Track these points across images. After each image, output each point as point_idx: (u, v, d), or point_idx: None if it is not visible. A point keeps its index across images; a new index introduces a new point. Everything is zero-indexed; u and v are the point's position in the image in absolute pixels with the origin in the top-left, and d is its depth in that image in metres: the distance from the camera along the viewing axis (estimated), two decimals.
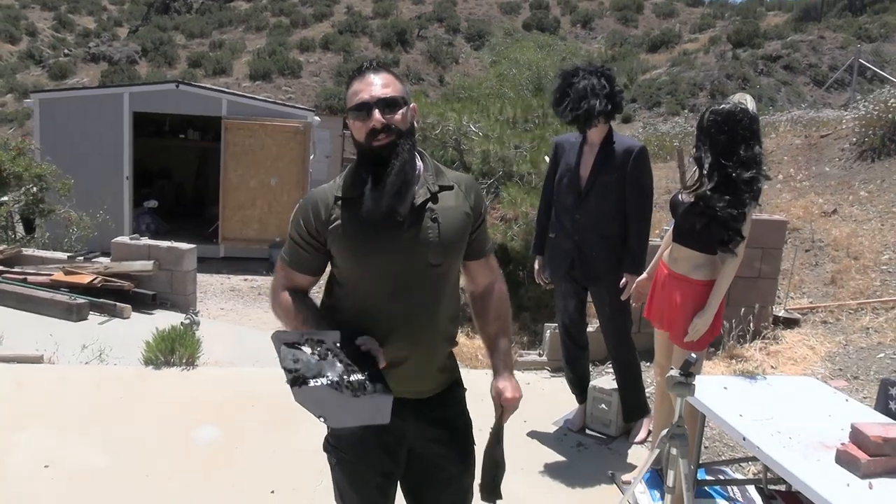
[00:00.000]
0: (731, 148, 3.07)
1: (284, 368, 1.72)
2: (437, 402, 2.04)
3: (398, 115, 1.86)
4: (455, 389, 2.11)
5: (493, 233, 7.10)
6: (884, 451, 2.31)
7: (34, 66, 37.92)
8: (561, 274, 4.03)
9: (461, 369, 2.19)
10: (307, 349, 1.76)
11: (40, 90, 16.26)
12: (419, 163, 1.95)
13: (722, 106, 3.13)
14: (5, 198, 9.24)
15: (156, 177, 13.99)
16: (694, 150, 3.22)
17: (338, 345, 1.79)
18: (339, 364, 1.76)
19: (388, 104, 1.85)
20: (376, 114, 1.84)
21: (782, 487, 3.14)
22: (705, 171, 3.12)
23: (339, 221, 1.90)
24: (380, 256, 1.89)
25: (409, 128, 1.90)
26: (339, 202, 1.91)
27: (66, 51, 39.78)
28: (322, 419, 1.70)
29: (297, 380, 1.70)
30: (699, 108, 25.11)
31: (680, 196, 3.37)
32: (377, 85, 1.87)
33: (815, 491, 2.18)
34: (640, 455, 3.98)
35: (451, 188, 1.97)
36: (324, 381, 1.71)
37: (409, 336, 1.93)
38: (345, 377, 1.74)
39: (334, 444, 2.02)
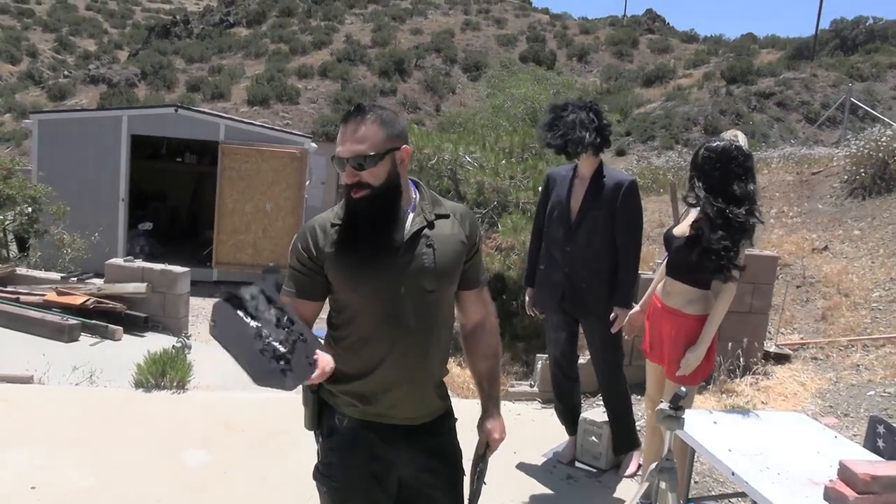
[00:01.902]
0: (725, 185, 3.12)
1: (241, 294, 1.73)
2: (429, 430, 2.04)
3: (368, 172, 1.87)
4: (446, 419, 2.11)
5: (490, 262, 7.13)
6: (872, 489, 2.32)
7: (34, 86, 38.08)
8: (551, 306, 4.05)
9: (452, 398, 2.20)
10: (278, 313, 1.75)
11: (39, 111, 16.37)
12: (414, 194, 2.00)
13: (716, 143, 3.18)
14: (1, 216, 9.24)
15: (151, 199, 14.01)
16: (688, 185, 3.27)
17: (303, 337, 1.75)
18: (283, 334, 1.73)
19: (360, 162, 1.87)
20: (348, 170, 1.88)
21: None
22: (699, 206, 3.16)
23: (335, 248, 1.93)
24: (375, 282, 1.91)
25: (385, 181, 1.90)
26: (336, 228, 1.95)
27: (65, 72, 40.00)
28: (214, 330, 1.72)
29: (236, 301, 1.71)
30: (693, 143, 25.33)
31: (674, 231, 3.41)
32: (351, 140, 1.88)
33: None
34: (629, 488, 3.97)
35: (447, 216, 2.02)
36: (254, 324, 1.70)
37: (404, 361, 1.95)
38: (272, 339, 1.70)
39: (324, 473, 2.02)
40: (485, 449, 2.14)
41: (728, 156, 3.13)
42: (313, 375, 1.73)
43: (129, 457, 4.00)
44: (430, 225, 1.97)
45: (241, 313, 1.70)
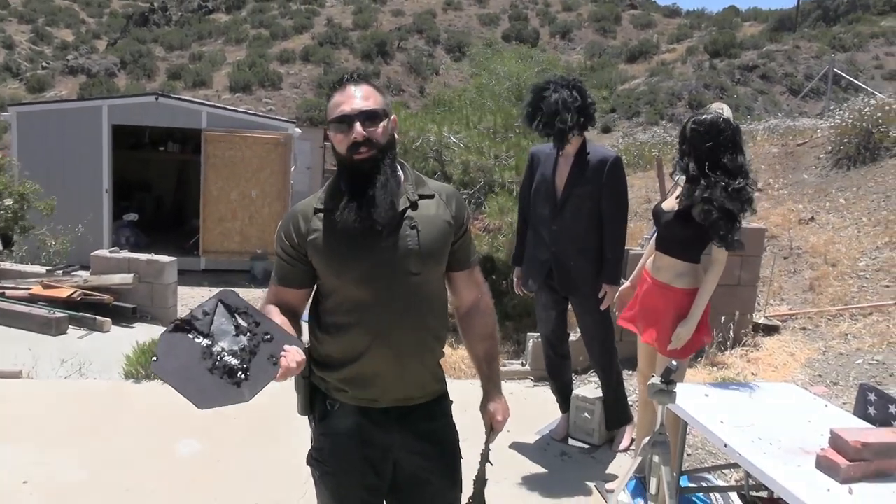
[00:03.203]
0: (715, 158, 3.11)
1: (192, 315, 1.73)
2: (423, 413, 2.01)
3: (379, 128, 1.87)
4: (442, 401, 2.09)
5: (479, 243, 7.11)
6: (863, 456, 2.33)
7: (11, 78, 37.57)
8: (539, 285, 4.04)
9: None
10: (239, 320, 1.75)
11: (18, 103, 16.12)
12: (400, 173, 1.97)
13: (704, 116, 3.16)
14: None
15: (135, 189, 13.89)
16: (677, 160, 3.26)
17: (268, 336, 1.74)
18: (243, 341, 1.73)
19: (369, 117, 1.85)
20: (357, 126, 1.84)
21: (764, 494, 3.16)
22: (689, 180, 3.15)
23: (318, 233, 1.91)
24: (359, 266, 1.88)
25: (389, 141, 1.91)
26: (319, 214, 1.93)
27: (43, 63, 39.47)
28: (156, 364, 1.72)
29: (183, 326, 1.71)
30: (678, 118, 25.35)
31: (662, 205, 3.40)
32: (358, 97, 1.86)
33: (796, 496, 2.20)
34: (623, 463, 3.99)
35: (431, 197, 1.98)
36: (205, 342, 1.70)
37: (392, 345, 1.92)
38: (224, 354, 1.70)
39: (318, 458, 2.01)
40: (489, 431, 2.13)
41: (716, 129, 3.11)
42: (277, 375, 1.70)
43: (121, 448, 3.98)
44: (414, 205, 1.93)
45: (190, 336, 1.70)
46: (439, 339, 2.05)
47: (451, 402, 2.14)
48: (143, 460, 3.87)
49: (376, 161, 1.86)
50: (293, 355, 1.72)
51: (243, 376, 1.67)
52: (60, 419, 4.33)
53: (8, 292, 7.25)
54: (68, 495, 3.48)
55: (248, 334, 1.72)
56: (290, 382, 2.04)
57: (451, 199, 2.02)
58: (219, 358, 1.68)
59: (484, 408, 2.15)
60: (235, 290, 1.82)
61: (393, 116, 1.94)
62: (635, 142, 17.06)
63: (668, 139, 16.12)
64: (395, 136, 1.96)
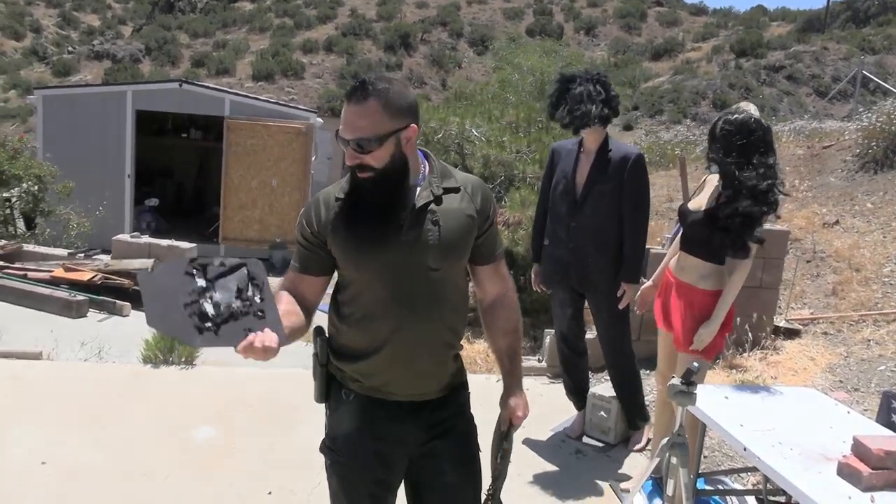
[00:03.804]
0: (745, 158, 3.06)
1: (210, 261, 1.70)
2: (437, 406, 1.99)
3: (370, 156, 1.80)
4: (458, 393, 2.06)
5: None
6: (886, 465, 2.30)
7: (38, 62, 37.93)
8: (556, 282, 4.02)
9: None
10: (248, 288, 1.70)
11: (43, 87, 16.26)
12: (423, 166, 1.93)
13: (735, 116, 3.12)
14: (6, 194, 9.24)
15: (157, 175, 13.98)
16: (707, 159, 3.22)
17: (260, 314, 1.68)
18: (235, 303, 1.67)
19: (360, 144, 1.80)
20: (349, 151, 1.82)
21: (782, 499, 3.13)
22: (719, 181, 3.11)
23: (338, 222, 1.89)
24: (378, 258, 1.86)
25: (391, 164, 1.83)
26: (340, 203, 1.91)
27: (69, 48, 39.79)
28: (145, 274, 1.74)
29: (196, 266, 1.67)
30: (701, 117, 25.15)
31: (689, 204, 3.36)
32: (353, 121, 1.80)
33: (817, 503, 2.17)
34: (638, 463, 3.96)
35: (456, 190, 1.95)
36: (201, 284, 1.66)
37: (408, 339, 1.89)
38: (208, 301, 1.65)
39: (330, 446, 2.00)
40: (508, 427, 2.11)
41: (747, 129, 3.07)
42: (238, 346, 1.61)
43: (138, 432, 4.01)
44: (438, 200, 1.90)
45: (194, 273, 1.66)
46: (457, 334, 2.02)
47: (469, 393, 2.11)
48: (159, 445, 3.89)
49: (376, 182, 1.83)
50: (265, 338, 1.63)
51: (211, 327, 1.62)
52: (79, 401, 4.36)
53: (30, 274, 7.33)
54: (85, 477, 3.51)
55: (245, 302, 1.68)
56: (307, 371, 2.04)
57: (476, 192, 1.98)
58: (203, 301, 1.64)
59: (504, 403, 2.12)
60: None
61: (410, 126, 1.85)
62: (658, 140, 16.93)
63: (691, 138, 16.00)
64: (409, 149, 1.87)
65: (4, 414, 4.10)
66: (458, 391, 2.06)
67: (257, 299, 1.68)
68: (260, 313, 1.67)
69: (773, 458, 2.44)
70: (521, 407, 2.09)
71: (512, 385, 2.12)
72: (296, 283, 1.97)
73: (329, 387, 2.02)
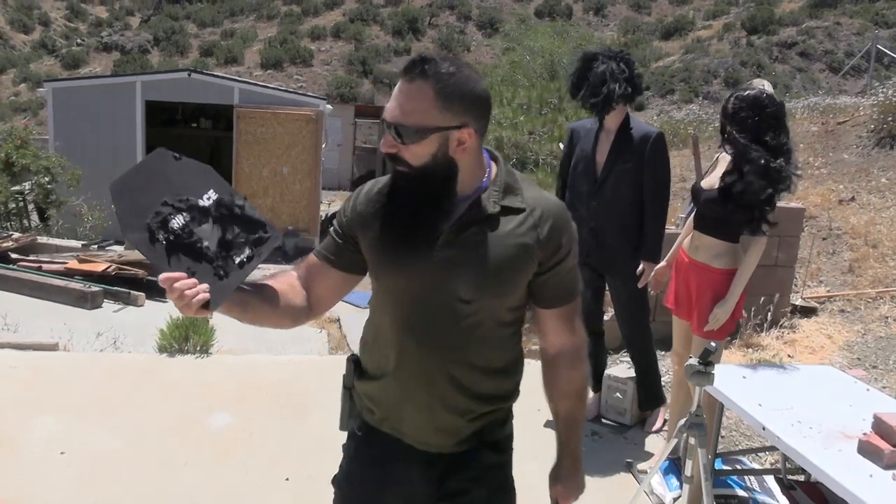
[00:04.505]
0: (757, 135, 3.02)
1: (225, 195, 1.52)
2: (451, 462, 1.67)
3: (407, 149, 1.51)
4: (481, 453, 1.69)
5: None
6: None
7: (47, 55, 38.05)
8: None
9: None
10: (238, 235, 1.52)
11: (53, 79, 16.31)
12: (486, 176, 1.60)
13: (747, 92, 3.08)
14: (17, 187, 9.28)
15: None
16: (721, 136, 3.17)
17: (238, 261, 1.50)
18: (211, 244, 1.49)
19: (398, 132, 1.50)
20: (386, 136, 1.53)
21: (801, 478, 3.11)
22: (736, 156, 3.06)
23: (372, 218, 1.62)
24: (399, 272, 1.59)
25: (428, 164, 1.51)
26: (379, 196, 1.64)
27: (78, 40, 39.90)
28: (132, 170, 1.50)
29: (184, 202, 1.49)
30: (713, 95, 24.94)
31: (702, 183, 3.33)
32: (397, 101, 1.51)
33: (838, 482, 2.15)
34: (655, 444, 3.95)
35: (519, 211, 1.59)
36: (204, 203, 1.50)
37: (415, 376, 1.61)
38: (178, 220, 1.47)
39: (337, 478, 1.81)
40: None
41: (759, 104, 3.02)
42: (161, 276, 1.42)
43: (155, 421, 4.03)
44: (490, 219, 1.56)
45: (179, 205, 1.48)
46: (491, 389, 1.66)
47: (507, 457, 1.77)
48: (176, 433, 3.91)
49: (411, 181, 1.54)
50: (192, 291, 1.42)
51: (163, 239, 1.45)
52: (96, 391, 4.39)
53: (44, 266, 7.37)
54: (104, 466, 3.53)
55: (220, 254, 1.50)
56: (321, 358, 2.02)
57: (545, 219, 1.59)
58: (177, 215, 1.47)
59: (553, 479, 1.79)
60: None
61: (466, 129, 1.51)
62: (670, 120, 16.77)
63: (703, 117, 15.84)
64: (460, 154, 1.53)
65: (23, 405, 4.13)
66: (482, 451, 1.69)
67: (235, 260, 1.50)
68: (222, 273, 1.48)
69: (792, 438, 2.41)
70: (572, 491, 1.77)
71: (565, 460, 1.77)
72: (311, 270, 1.73)
73: (350, 414, 1.80)
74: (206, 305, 1.45)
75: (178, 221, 1.46)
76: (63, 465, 3.52)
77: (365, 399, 1.73)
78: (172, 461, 3.60)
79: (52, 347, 5.17)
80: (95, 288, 6.90)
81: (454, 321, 1.57)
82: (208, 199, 1.51)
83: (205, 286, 1.44)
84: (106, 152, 11.17)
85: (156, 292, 7.33)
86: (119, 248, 7.87)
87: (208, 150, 14.33)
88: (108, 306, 6.87)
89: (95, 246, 8.03)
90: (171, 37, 36.77)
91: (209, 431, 3.96)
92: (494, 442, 1.71)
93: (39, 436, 3.79)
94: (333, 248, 1.70)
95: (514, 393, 1.73)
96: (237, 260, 1.50)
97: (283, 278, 1.69)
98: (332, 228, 1.73)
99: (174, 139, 13.90)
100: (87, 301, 6.74)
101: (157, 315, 5.97)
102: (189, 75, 12.01)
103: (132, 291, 7.08)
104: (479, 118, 1.54)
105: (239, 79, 14.15)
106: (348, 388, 1.78)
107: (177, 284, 1.41)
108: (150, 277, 7.43)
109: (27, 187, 9.65)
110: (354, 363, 1.77)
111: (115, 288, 7.09)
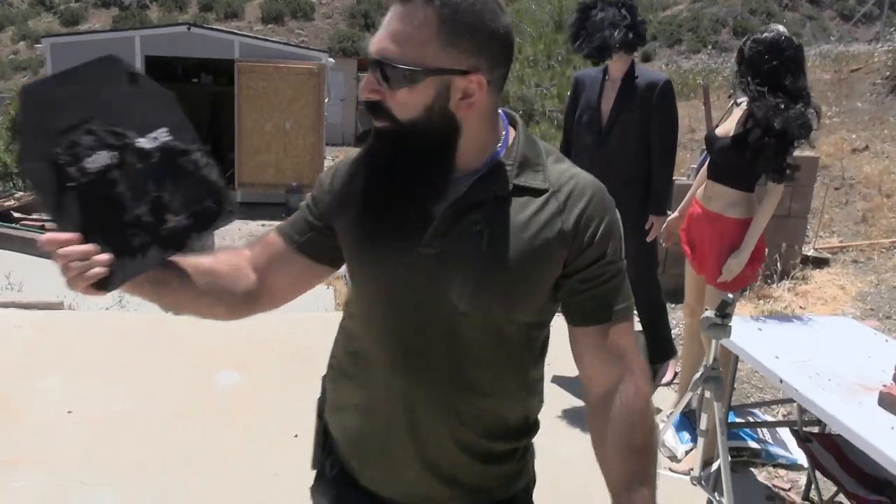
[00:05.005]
0: (776, 79, 2.91)
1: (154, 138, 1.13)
2: None
3: (393, 95, 1.10)
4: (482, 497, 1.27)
5: None
6: None
7: (45, 12, 37.53)
8: None
9: None
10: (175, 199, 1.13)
11: (51, 35, 16.08)
12: (500, 145, 1.19)
13: (765, 34, 2.96)
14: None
15: None
16: (736, 81, 3.07)
17: (168, 225, 1.12)
18: (137, 202, 1.09)
19: (383, 71, 1.09)
20: (367, 81, 1.12)
21: (815, 429, 3.07)
22: (751, 101, 2.96)
23: (349, 196, 1.20)
24: (379, 275, 1.19)
25: (419, 119, 1.10)
26: (354, 166, 1.24)
27: None
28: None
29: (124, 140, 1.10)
30: (722, 45, 24.50)
31: (716, 130, 3.23)
32: (389, 32, 1.10)
33: (859, 434, 2.10)
34: (665, 397, 3.92)
35: (539, 192, 1.17)
36: (137, 143, 1.11)
37: (402, 420, 1.21)
38: (99, 159, 1.08)
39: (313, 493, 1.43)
40: None
41: (778, 47, 2.91)
42: (43, 238, 1.06)
43: (163, 380, 4.01)
44: (499, 201, 1.15)
45: (114, 142, 1.10)
46: (501, 439, 1.25)
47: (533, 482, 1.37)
48: (183, 392, 3.89)
49: (393, 143, 1.13)
50: (85, 263, 1.05)
51: (66, 184, 1.06)
52: (102, 351, 4.37)
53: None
54: (112, 425, 3.51)
55: (145, 217, 1.10)
56: (332, 315, 1.96)
57: (574, 202, 1.17)
58: (94, 152, 1.08)
59: None
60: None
61: (473, 76, 1.10)
62: (679, 69, 16.48)
63: (712, 66, 15.56)
64: (465, 111, 1.12)
65: (29, 365, 4.11)
66: (483, 495, 1.27)
67: (162, 233, 1.11)
68: (136, 244, 1.10)
69: (811, 390, 2.36)
70: None
71: None
72: (268, 251, 1.33)
73: (324, 449, 1.40)
74: (103, 283, 1.07)
75: (97, 160, 1.07)
76: (70, 424, 3.51)
77: (334, 430, 1.35)
78: (180, 420, 3.58)
79: (58, 306, 5.14)
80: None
81: (449, 340, 1.16)
82: (154, 139, 1.11)
83: (105, 258, 1.05)
84: None
85: None
86: None
87: (210, 106, 14.17)
88: None
89: None
90: None
91: (216, 390, 3.94)
92: (509, 500, 1.30)
93: (46, 395, 3.77)
94: (302, 226, 1.31)
95: (532, 429, 1.32)
96: (164, 232, 1.11)
97: (226, 256, 1.31)
98: (304, 202, 1.35)
99: (176, 95, 13.73)
100: None
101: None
102: (188, 29, 11.79)
103: None
104: (495, 64, 1.12)
105: (239, 32, 13.92)
106: (320, 417, 1.43)
107: (63, 251, 1.04)
108: None
109: None
110: (325, 389, 1.42)
111: None
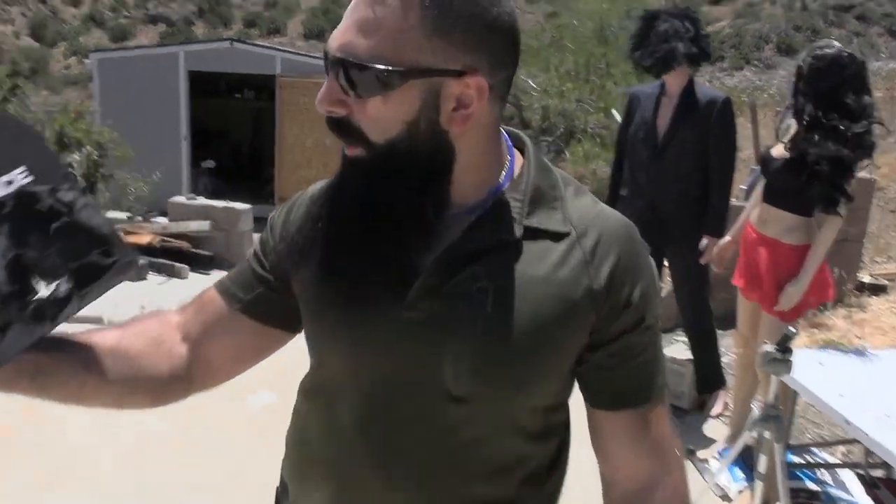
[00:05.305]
0: (836, 97, 2.76)
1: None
2: None
3: (367, 110, 0.83)
4: None
5: None
6: None
7: (96, 28, 38.52)
8: None
9: None
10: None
11: (98, 50, 16.41)
12: (504, 177, 0.92)
13: (826, 50, 2.81)
14: (68, 159, 9.35)
15: (213, 137, 14.01)
16: (791, 100, 2.92)
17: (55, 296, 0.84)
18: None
19: (346, 72, 0.81)
20: (325, 87, 0.84)
21: (880, 471, 2.89)
22: (805, 124, 2.81)
23: (308, 246, 0.92)
24: (348, 348, 0.92)
25: (399, 140, 0.83)
26: (316, 204, 0.96)
27: (125, 13, 40.25)
28: None
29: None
30: (765, 62, 24.12)
31: (772, 151, 3.08)
32: (355, 20, 0.82)
33: None
34: (715, 429, 3.74)
35: (559, 237, 0.90)
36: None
37: None
38: None
39: None
40: None
41: (840, 64, 2.76)
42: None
43: (196, 399, 3.93)
44: (508, 247, 0.88)
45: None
46: None
47: None
48: (219, 409, 3.82)
49: (367, 175, 0.86)
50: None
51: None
52: None
53: None
54: (148, 442, 3.48)
55: (21, 273, 0.83)
56: None
57: (606, 252, 0.90)
58: None
59: None
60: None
61: (470, 78, 0.82)
62: (723, 87, 16.21)
63: (757, 83, 15.28)
64: (457, 124, 0.84)
65: None
66: None
67: (30, 301, 0.83)
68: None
69: (880, 433, 2.20)
70: None
71: None
72: (205, 314, 1.07)
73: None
74: None
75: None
76: (104, 445, 3.47)
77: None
78: (215, 438, 3.54)
79: (97, 321, 5.14)
80: (142, 260, 6.89)
81: (441, 436, 0.90)
82: (8, 183, 0.82)
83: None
84: (151, 123, 11.19)
85: (199, 265, 7.30)
86: (163, 220, 7.86)
87: (252, 121, 14.29)
88: (153, 279, 6.86)
89: (140, 217, 8.03)
90: (215, 8, 36.88)
91: (250, 409, 3.88)
92: None
93: (84, 410, 3.74)
94: (248, 280, 1.04)
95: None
96: (33, 300, 0.83)
97: (142, 326, 1.04)
98: (251, 250, 1.07)
99: (219, 111, 13.88)
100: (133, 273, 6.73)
101: (201, 288, 5.92)
102: (231, 45, 11.92)
103: (176, 264, 7.05)
104: (497, 63, 0.84)
105: (281, 48, 14.04)
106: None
107: None
108: (194, 250, 7.41)
109: (76, 159, 9.73)
110: (281, 486, 1.15)
111: (160, 260, 7.06)
